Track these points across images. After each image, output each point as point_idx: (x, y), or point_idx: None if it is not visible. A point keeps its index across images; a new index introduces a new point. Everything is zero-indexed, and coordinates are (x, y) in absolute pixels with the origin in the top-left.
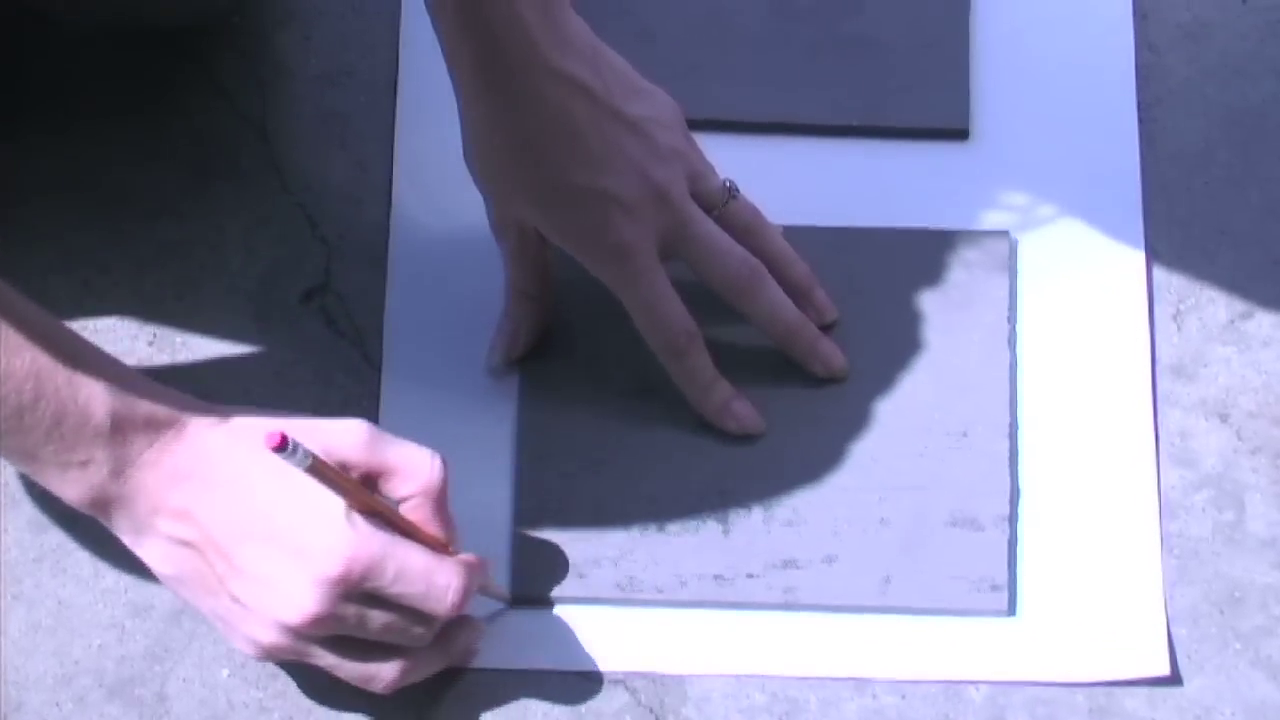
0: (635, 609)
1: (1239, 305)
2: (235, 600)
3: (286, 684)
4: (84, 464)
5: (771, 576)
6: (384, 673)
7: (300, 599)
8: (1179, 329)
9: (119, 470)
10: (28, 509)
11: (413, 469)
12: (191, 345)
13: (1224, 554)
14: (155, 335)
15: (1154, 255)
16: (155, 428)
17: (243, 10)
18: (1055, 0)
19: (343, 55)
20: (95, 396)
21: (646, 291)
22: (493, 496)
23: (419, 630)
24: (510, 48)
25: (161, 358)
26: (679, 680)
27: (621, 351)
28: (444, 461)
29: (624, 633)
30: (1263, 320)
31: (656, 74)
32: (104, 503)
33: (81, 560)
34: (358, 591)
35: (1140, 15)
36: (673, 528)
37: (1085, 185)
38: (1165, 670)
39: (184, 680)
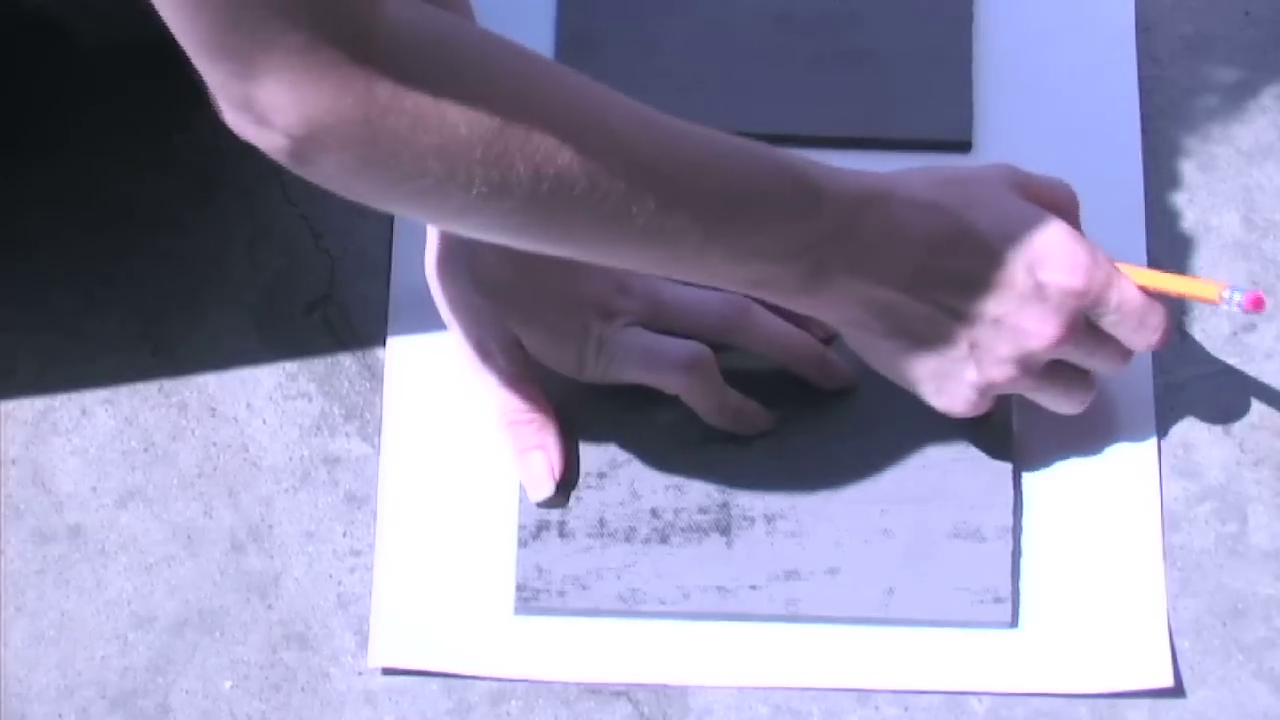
0: (638, 620)
1: (1241, 318)
2: (974, 346)
3: (289, 695)
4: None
5: (774, 588)
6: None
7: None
8: (1182, 341)
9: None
10: (30, 521)
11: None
12: (194, 357)
13: (1227, 566)
14: (157, 347)
15: (1157, 267)
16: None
17: None
18: (1058, 12)
19: None
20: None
21: (648, 376)
22: (497, 508)
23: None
24: None
25: (164, 370)
26: (682, 692)
27: None
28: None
29: (627, 644)
30: (1265, 333)
31: (659, 85)
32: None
33: (84, 572)
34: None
35: (1143, 28)
36: (675, 540)
37: (1088, 197)
38: (1168, 682)
39: (187, 692)
